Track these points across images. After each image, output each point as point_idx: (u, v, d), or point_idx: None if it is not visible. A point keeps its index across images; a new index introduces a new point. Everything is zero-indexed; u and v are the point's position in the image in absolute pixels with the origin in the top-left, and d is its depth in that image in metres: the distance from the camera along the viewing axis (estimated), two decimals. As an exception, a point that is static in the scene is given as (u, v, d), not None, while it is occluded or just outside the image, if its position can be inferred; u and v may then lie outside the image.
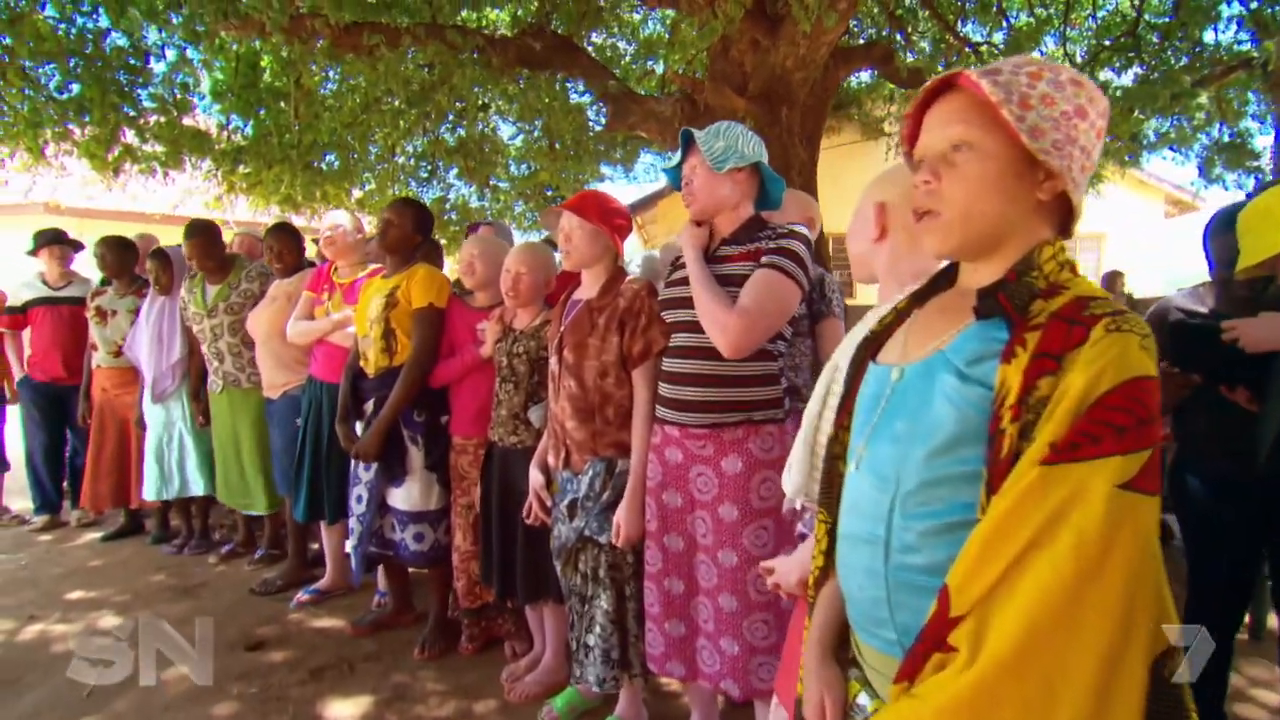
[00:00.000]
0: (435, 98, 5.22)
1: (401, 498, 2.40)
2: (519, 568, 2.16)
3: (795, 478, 1.16)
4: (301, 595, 2.87)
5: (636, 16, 7.00)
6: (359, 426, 2.47)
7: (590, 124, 6.85)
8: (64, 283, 3.87)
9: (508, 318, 2.27)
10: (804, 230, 1.65)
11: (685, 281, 1.66)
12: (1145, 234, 11.01)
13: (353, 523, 2.47)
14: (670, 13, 6.52)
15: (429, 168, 7.10)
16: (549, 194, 8.13)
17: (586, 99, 6.51)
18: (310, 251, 3.52)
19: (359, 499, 2.43)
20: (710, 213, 1.67)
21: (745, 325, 1.51)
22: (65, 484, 4.01)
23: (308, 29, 4.54)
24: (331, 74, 5.62)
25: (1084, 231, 10.38)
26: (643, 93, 6.08)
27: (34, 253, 3.85)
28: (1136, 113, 4.94)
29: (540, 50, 4.86)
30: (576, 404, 1.85)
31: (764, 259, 1.56)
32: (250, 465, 3.16)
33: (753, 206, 1.69)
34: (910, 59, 5.40)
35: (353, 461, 2.45)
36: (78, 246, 3.96)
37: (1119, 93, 4.83)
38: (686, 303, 1.64)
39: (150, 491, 3.37)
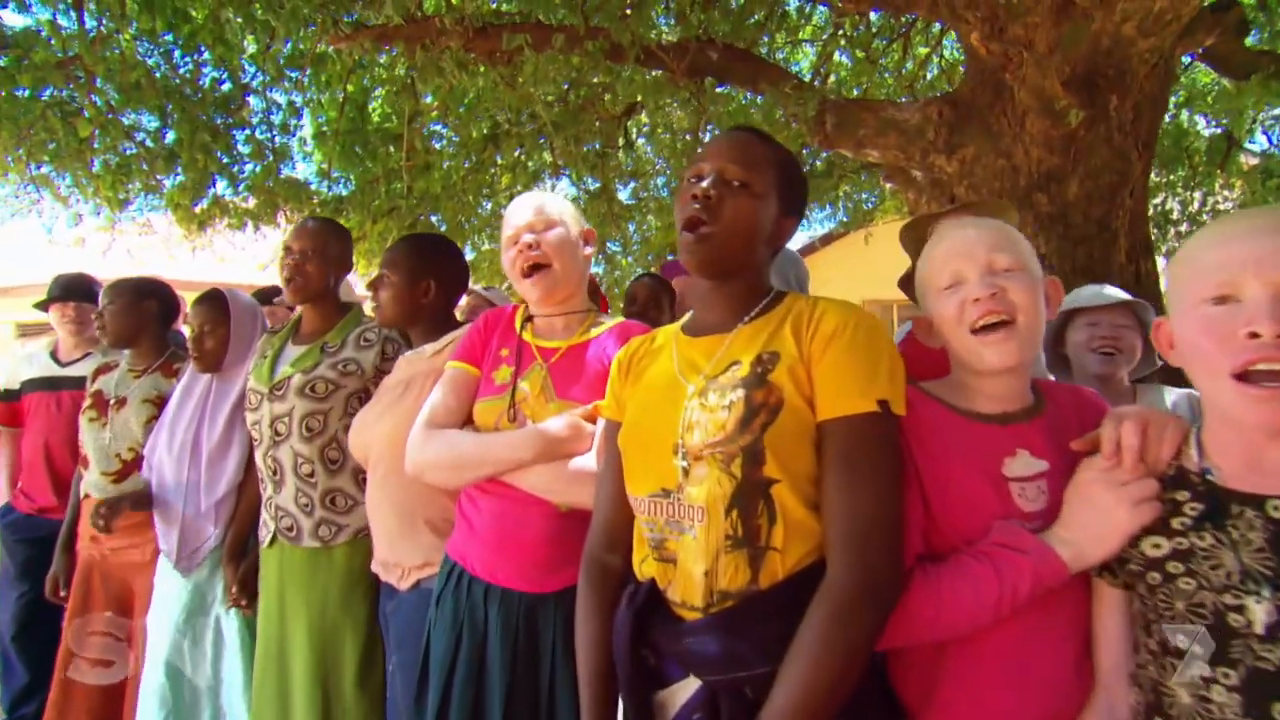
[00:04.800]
0: (584, 117, 4.10)
1: None
2: None
3: None
4: None
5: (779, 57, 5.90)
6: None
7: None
8: (77, 356, 2.36)
9: (1165, 453, 0.70)
10: None
11: None
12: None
13: None
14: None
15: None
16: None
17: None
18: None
19: None
20: None
21: None
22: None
23: (435, 29, 3.56)
24: (441, 128, 4.74)
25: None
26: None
27: (43, 306, 2.40)
28: None
29: (717, 59, 3.78)
30: None
31: None
32: (302, 695, 1.52)
33: None
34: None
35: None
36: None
37: None
38: None
39: None
